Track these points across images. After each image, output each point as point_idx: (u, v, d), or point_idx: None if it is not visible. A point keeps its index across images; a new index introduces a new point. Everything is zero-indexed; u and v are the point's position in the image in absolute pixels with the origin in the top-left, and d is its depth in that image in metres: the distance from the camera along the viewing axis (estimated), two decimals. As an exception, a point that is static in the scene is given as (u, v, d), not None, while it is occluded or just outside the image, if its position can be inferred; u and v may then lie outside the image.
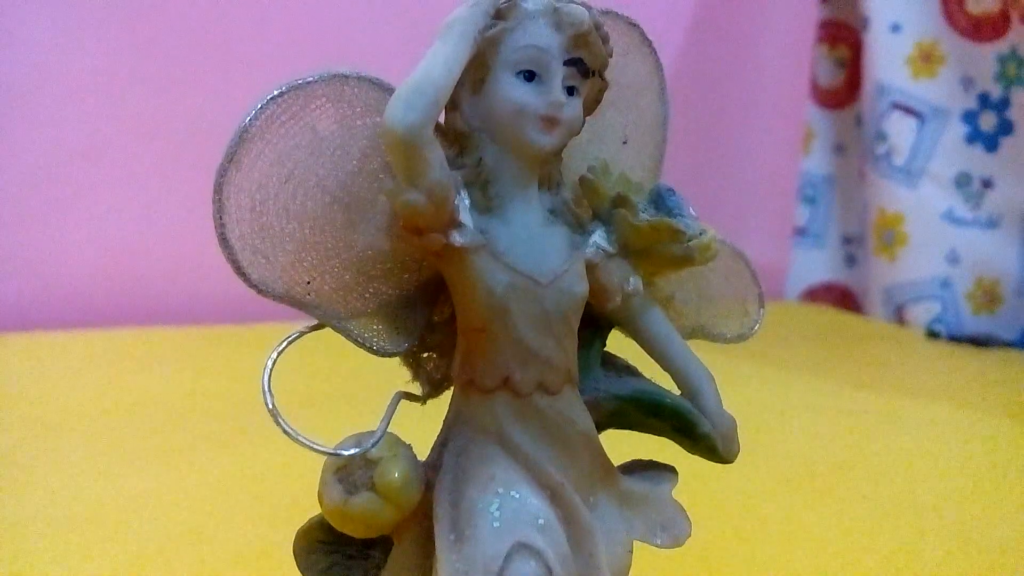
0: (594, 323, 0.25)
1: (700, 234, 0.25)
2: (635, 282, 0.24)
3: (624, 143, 0.27)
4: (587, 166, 0.25)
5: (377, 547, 0.24)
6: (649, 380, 0.26)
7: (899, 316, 1.13)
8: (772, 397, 0.76)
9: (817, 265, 1.26)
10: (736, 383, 0.76)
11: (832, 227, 1.25)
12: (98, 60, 0.91)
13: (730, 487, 0.53)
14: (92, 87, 0.91)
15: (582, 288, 0.23)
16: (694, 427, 0.25)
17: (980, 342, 1.01)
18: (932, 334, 1.06)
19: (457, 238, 0.21)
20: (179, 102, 0.91)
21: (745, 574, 0.41)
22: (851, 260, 1.25)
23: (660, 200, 0.25)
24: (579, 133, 0.24)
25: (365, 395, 0.56)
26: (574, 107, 0.22)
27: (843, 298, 1.25)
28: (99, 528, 0.43)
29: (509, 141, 0.22)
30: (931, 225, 1.10)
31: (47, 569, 0.38)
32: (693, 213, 0.26)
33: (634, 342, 0.27)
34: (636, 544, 0.24)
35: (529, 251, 0.22)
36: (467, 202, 0.22)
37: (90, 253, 0.93)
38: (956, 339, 1.03)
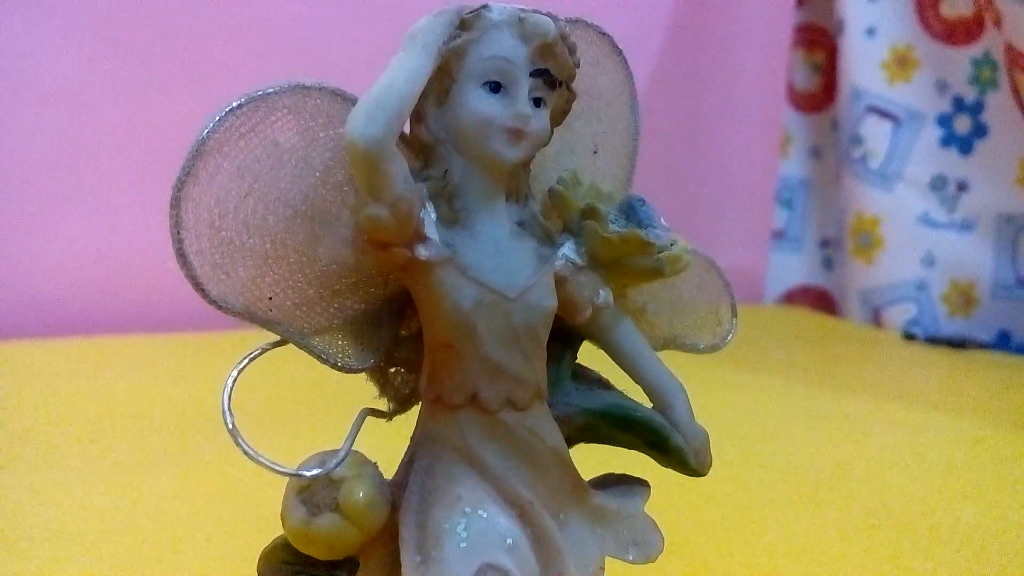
0: (564, 336, 0.25)
1: (670, 245, 0.24)
2: (605, 295, 0.24)
3: (595, 153, 0.27)
4: (557, 177, 0.25)
5: (343, 568, 0.23)
6: (621, 393, 0.25)
7: (876, 318, 1.13)
8: (750, 400, 0.76)
9: (794, 268, 1.27)
10: (714, 386, 0.77)
11: (809, 230, 1.26)
12: (74, 68, 0.90)
13: (708, 490, 0.52)
14: (69, 95, 0.90)
15: (551, 302, 0.22)
16: (666, 441, 0.24)
17: (956, 344, 1.02)
18: (908, 336, 1.07)
19: (422, 252, 0.21)
20: (156, 110, 0.90)
21: (721, 569, 0.41)
22: (828, 263, 1.26)
23: (631, 211, 0.25)
24: (547, 144, 0.23)
25: (332, 409, 0.55)
26: (541, 119, 0.22)
27: (820, 301, 1.26)
28: (68, 538, 0.42)
29: (475, 153, 0.22)
30: (907, 228, 1.11)
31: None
32: (664, 224, 0.25)
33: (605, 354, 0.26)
34: (609, 560, 0.24)
35: (497, 265, 0.22)
36: (433, 215, 0.22)
37: (67, 261, 0.92)
38: (932, 341, 1.04)
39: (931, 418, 0.72)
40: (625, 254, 0.24)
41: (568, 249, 0.23)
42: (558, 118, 0.23)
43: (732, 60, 1.28)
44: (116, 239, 0.92)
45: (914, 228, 1.11)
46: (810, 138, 1.25)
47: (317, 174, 0.22)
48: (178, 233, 0.20)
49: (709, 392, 0.76)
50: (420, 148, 0.22)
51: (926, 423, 0.71)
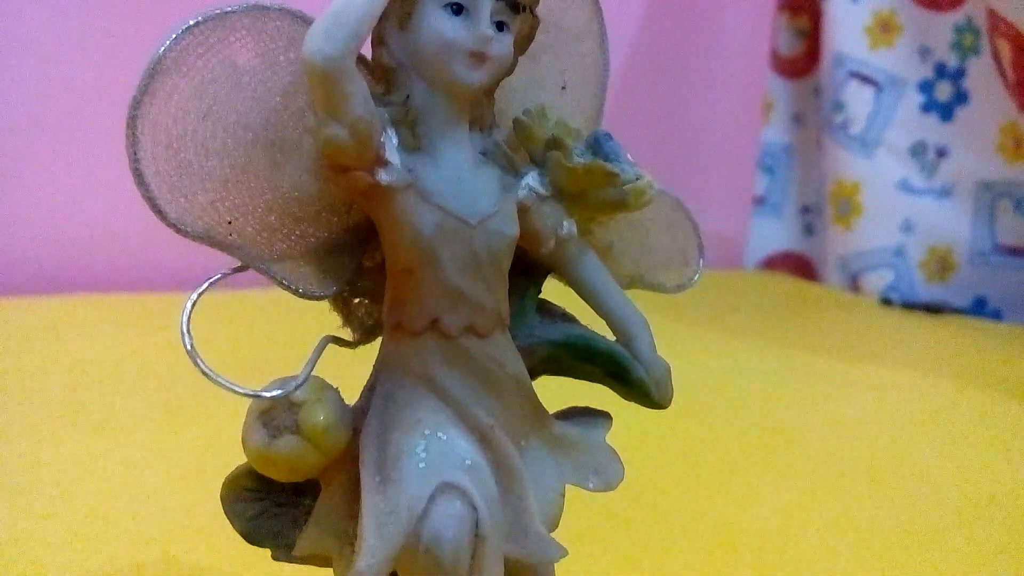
0: (529, 270, 0.25)
1: (636, 179, 0.24)
2: (569, 226, 0.24)
3: (563, 89, 0.27)
4: (523, 109, 0.25)
5: (307, 494, 0.23)
6: (585, 327, 0.25)
7: (854, 284, 1.14)
8: (729, 361, 0.76)
9: (775, 234, 1.27)
10: (695, 349, 0.77)
11: (790, 197, 1.27)
12: (46, 23, 0.88)
13: (686, 446, 0.53)
14: (40, 51, 0.88)
15: (513, 230, 0.22)
16: (627, 372, 0.24)
17: (932, 309, 1.03)
18: (886, 301, 1.08)
19: (383, 176, 0.21)
20: (125, 67, 0.89)
21: (702, 533, 0.41)
22: (809, 229, 1.26)
23: (597, 146, 0.25)
24: (511, 73, 0.23)
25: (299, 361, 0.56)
26: (503, 43, 0.22)
27: (800, 267, 1.26)
28: (41, 496, 0.42)
29: (437, 77, 0.21)
30: (886, 194, 1.11)
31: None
32: (630, 160, 0.25)
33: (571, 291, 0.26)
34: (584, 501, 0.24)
35: (458, 191, 0.22)
36: (394, 141, 0.21)
37: (38, 219, 0.91)
38: (909, 306, 1.05)
39: (906, 378, 0.73)
40: (589, 185, 0.24)
41: (532, 179, 0.23)
42: (522, 45, 0.23)
43: (716, 25, 1.27)
44: (87, 196, 0.91)
45: (893, 194, 1.11)
46: (793, 104, 1.24)
47: (278, 99, 0.22)
48: (135, 153, 0.20)
49: (690, 353, 0.76)
50: (382, 73, 0.22)
51: (901, 383, 0.72)
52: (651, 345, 0.25)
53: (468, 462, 0.21)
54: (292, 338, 0.70)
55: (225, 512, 0.23)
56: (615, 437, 0.26)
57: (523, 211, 0.23)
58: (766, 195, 1.27)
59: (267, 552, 0.25)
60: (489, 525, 0.20)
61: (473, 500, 0.20)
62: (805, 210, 1.26)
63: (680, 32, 1.25)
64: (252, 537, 0.23)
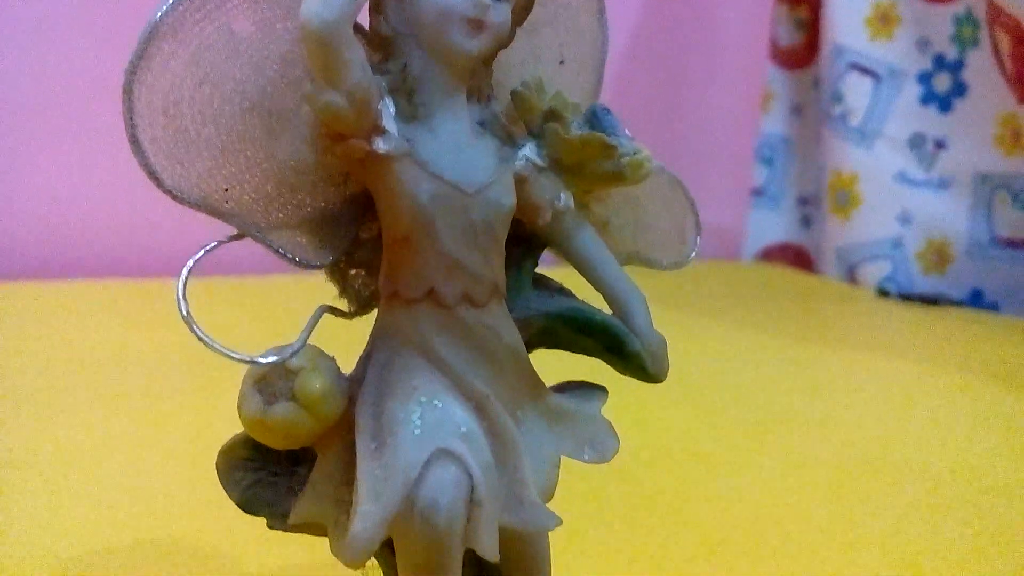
0: (526, 242, 0.25)
1: (633, 153, 0.24)
2: (566, 198, 0.24)
3: (561, 63, 0.27)
4: (521, 81, 0.25)
5: (303, 464, 0.23)
6: (581, 300, 0.26)
7: (851, 275, 1.14)
8: (727, 352, 0.77)
9: (773, 226, 1.27)
10: (693, 340, 0.77)
11: (789, 188, 1.27)
12: (43, 9, 0.88)
13: (686, 433, 0.53)
14: (38, 38, 0.88)
15: (510, 200, 0.22)
16: (624, 345, 0.24)
17: (929, 301, 1.03)
18: (882, 293, 1.08)
19: (380, 145, 0.21)
20: (126, 53, 0.88)
21: (698, 519, 0.41)
22: (807, 221, 1.26)
23: (595, 119, 0.25)
24: (508, 44, 0.23)
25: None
26: (502, 12, 0.22)
27: (798, 258, 1.26)
28: (39, 477, 0.42)
29: (435, 46, 0.21)
30: (884, 186, 1.11)
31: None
32: (628, 134, 0.25)
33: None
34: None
35: (456, 161, 0.22)
36: (391, 109, 0.21)
37: (37, 205, 0.90)
38: (906, 298, 1.05)
39: (902, 368, 0.73)
40: (587, 157, 0.24)
41: (529, 150, 0.23)
42: (520, 16, 0.23)
43: (715, 16, 1.27)
44: (87, 182, 0.91)
45: (891, 186, 1.11)
46: (792, 95, 1.24)
47: (275, 67, 0.22)
48: (131, 119, 0.20)
49: (688, 344, 0.76)
50: (379, 41, 0.22)
51: (898, 373, 0.72)
52: (647, 318, 0.25)
53: (463, 429, 0.21)
54: (291, 325, 0.70)
55: (221, 481, 0.23)
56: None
57: (520, 182, 0.23)
58: (764, 186, 1.27)
59: (267, 534, 0.25)
60: (484, 491, 0.20)
61: (468, 466, 0.20)
62: (803, 201, 1.26)
63: (679, 23, 1.25)
64: (248, 506, 0.23)
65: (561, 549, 0.26)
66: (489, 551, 0.20)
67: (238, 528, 0.37)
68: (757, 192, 1.27)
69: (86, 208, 0.92)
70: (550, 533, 0.25)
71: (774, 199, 1.27)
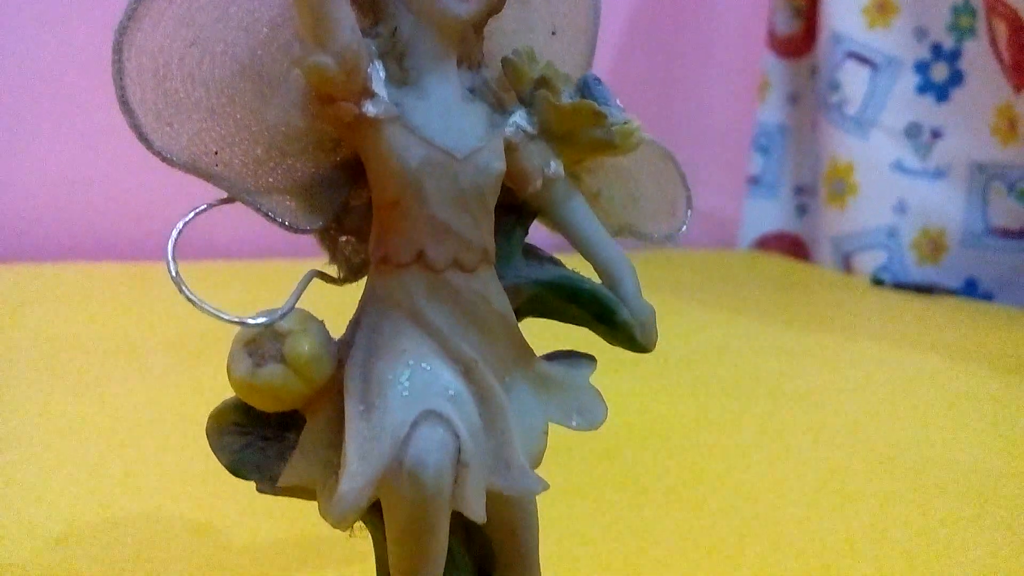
0: (516, 212, 0.25)
1: (624, 122, 0.24)
2: (556, 166, 0.24)
3: (553, 35, 0.27)
4: (512, 50, 0.25)
5: (292, 429, 0.23)
6: (571, 270, 0.26)
7: (846, 264, 1.15)
8: (722, 339, 0.77)
9: (769, 215, 1.27)
10: (689, 327, 0.77)
11: (785, 177, 1.27)
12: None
13: (684, 420, 0.53)
14: (35, 19, 0.88)
15: (499, 165, 0.22)
16: (613, 314, 0.24)
17: (924, 290, 1.03)
18: (877, 282, 1.08)
19: (370, 108, 0.21)
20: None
21: (694, 500, 0.42)
22: (802, 210, 1.26)
23: (586, 89, 0.25)
24: (499, 10, 0.23)
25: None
26: (492, -24, 0.22)
27: (793, 248, 1.27)
28: (26, 456, 0.42)
29: (425, 9, 0.21)
30: (880, 175, 1.12)
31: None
32: (619, 105, 0.25)
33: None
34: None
35: (446, 125, 0.22)
36: (381, 74, 0.21)
37: (33, 188, 0.90)
38: (901, 287, 1.05)
39: (897, 355, 0.74)
40: (577, 125, 0.24)
41: (519, 117, 0.23)
42: (511, -19, 0.23)
43: (712, 3, 1.27)
44: (85, 163, 0.91)
45: (887, 175, 1.11)
46: (789, 84, 1.24)
47: (265, 31, 0.22)
48: (121, 80, 0.20)
49: (684, 330, 0.77)
50: (369, 5, 0.22)
51: (892, 359, 0.72)
52: (637, 288, 0.25)
53: (451, 392, 0.21)
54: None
55: (211, 445, 0.23)
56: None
57: (510, 149, 0.23)
58: (761, 175, 1.27)
59: (257, 509, 0.25)
60: (471, 453, 0.20)
61: (456, 428, 0.20)
62: (799, 190, 1.26)
63: (676, 10, 1.25)
64: (237, 469, 0.23)
65: (551, 521, 0.26)
66: (476, 513, 0.20)
67: (228, 503, 0.37)
68: (753, 181, 1.27)
69: (83, 191, 0.92)
70: (540, 503, 0.25)
71: (770, 188, 1.27)
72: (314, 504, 0.23)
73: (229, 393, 0.22)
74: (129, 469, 0.41)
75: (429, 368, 0.21)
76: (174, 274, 0.20)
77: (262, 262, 0.86)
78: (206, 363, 0.56)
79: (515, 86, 0.24)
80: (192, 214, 0.21)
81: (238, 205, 0.22)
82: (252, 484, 0.24)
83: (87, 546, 0.34)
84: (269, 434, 0.24)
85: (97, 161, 0.90)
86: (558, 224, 0.25)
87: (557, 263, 0.26)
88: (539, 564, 0.25)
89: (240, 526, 0.36)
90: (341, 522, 0.20)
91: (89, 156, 0.90)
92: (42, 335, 0.63)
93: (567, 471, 0.43)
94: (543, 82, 0.24)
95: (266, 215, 0.22)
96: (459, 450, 0.20)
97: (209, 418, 0.23)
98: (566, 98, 0.24)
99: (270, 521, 0.36)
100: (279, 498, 0.24)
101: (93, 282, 0.82)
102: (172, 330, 0.65)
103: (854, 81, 1.12)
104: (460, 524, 0.24)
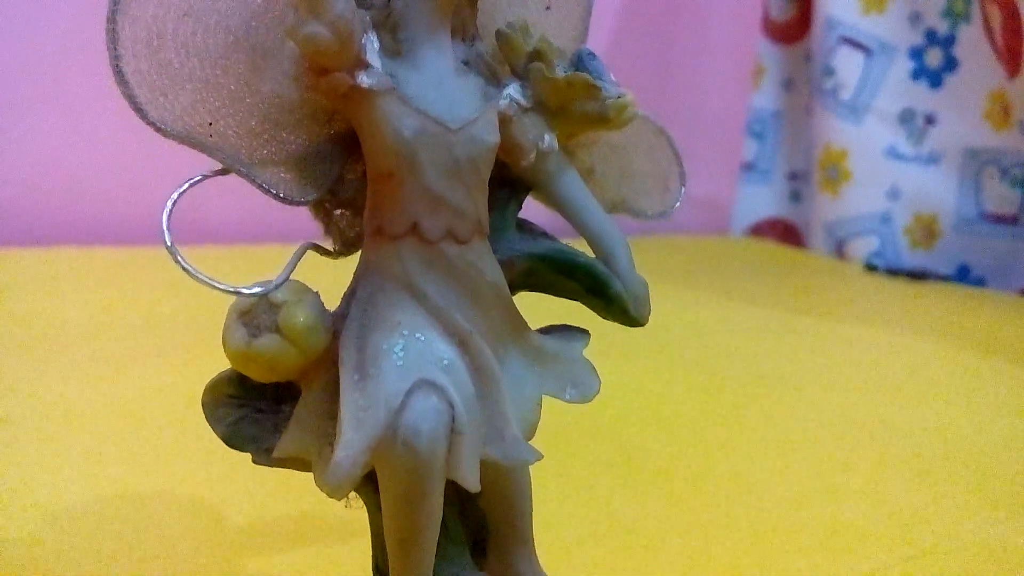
0: (510, 186, 0.25)
1: (618, 97, 0.24)
2: (550, 139, 0.24)
3: (547, 9, 0.27)
4: (506, 23, 0.25)
5: (288, 402, 0.23)
6: (565, 244, 0.26)
7: (839, 250, 1.15)
8: (718, 325, 0.77)
9: (763, 201, 1.28)
10: (683, 313, 0.78)
11: (779, 163, 1.27)
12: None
13: (678, 404, 0.54)
14: (24, 3, 0.87)
15: (493, 137, 0.22)
16: (606, 287, 0.25)
17: (916, 276, 1.03)
18: (870, 268, 1.08)
19: (364, 79, 0.21)
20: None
21: (689, 480, 0.42)
22: (796, 196, 1.27)
23: (580, 63, 0.25)
24: (495, -15, 0.23)
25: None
26: (486, -53, 0.22)
27: (787, 234, 1.27)
28: (24, 436, 0.42)
29: (418, -20, 0.21)
30: (874, 161, 1.12)
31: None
32: (613, 79, 0.25)
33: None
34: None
35: (440, 97, 0.22)
36: (375, 44, 0.21)
37: (23, 172, 0.90)
38: (893, 272, 1.06)
39: (889, 339, 0.74)
40: (571, 98, 0.24)
41: (514, 90, 0.24)
42: (505, -47, 0.23)
43: (708, -12, 1.27)
44: (75, 147, 0.90)
45: (881, 161, 1.12)
46: (783, 69, 1.24)
47: (258, 2, 0.22)
48: (115, 50, 0.20)
49: (678, 315, 0.77)
50: (363, -24, 0.22)
51: (883, 345, 0.73)
52: (630, 262, 0.25)
53: (445, 362, 0.21)
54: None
55: (206, 416, 0.23)
56: (602, 393, 0.26)
57: (504, 122, 0.23)
58: (754, 161, 1.27)
59: (253, 487, 0.25)
60: (466, 422, 0.20)
61: (450, 397, 0.20)
62: (793, 176, 1.26)
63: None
64: (232, 441, 0.23)
65: (544, 501, 0.26)
66: (470, 482, 0.21)
67: (223, 482, 0.37)
68: (747, 167, 1.27)
69: (73, 175, 0.91)
70: (533, 481, 0.25)
71: (764, 174, 1.27)
72: (310, 481, 0.23)
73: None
74: (122, 450, 0.41)
75: (423, 338, 0.21)
76: (169, 244, 0.20)
77: (255, 246, 0.86)
78: (198, 345, 0.56)
79: (509, 59, 0.24)
80: (187, 184, 0.21)
81: (232, 187, 0.23)
82: (247, 460, 0.24)
83: (82, 524, 0.34)
84: (264, 407, 0.24)
85: (85, 146, 0.90)
86: (552, 198, 0.25)
87: (551, 237, 0.26)
88: (532, 535, 0.26)
89: (236, 503, 0.36)
90: (336, 491, 0.20)
91: (77, 141, 0.90)
92: (32, 319, 0.63)
93: (561, 453, 0.43)
94: (537, 55, 0.24)
95: (260, 187, 0.22)
96: (453, 419, 0.20)
97: (205, 390, 0.23)
98: (560, 72, 0.24)
99: (266, 498, 0.36)
100: (275, 477, 0.24)
101: (82, 266, 0.82)
102: (162, 312, 0.65)
103: (848, 67, 1.12)
104: (454, 495, 0.24)
